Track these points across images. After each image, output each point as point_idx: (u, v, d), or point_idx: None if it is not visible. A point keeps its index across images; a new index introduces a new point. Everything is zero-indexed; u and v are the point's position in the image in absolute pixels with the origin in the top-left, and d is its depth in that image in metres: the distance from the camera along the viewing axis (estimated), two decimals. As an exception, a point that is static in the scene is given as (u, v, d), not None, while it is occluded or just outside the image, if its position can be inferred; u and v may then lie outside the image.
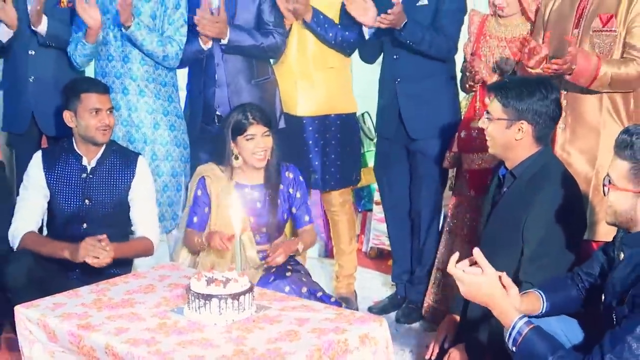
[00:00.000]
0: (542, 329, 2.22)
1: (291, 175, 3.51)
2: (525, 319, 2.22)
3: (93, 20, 3.54)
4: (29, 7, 3.74)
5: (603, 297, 2.35)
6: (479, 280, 2.28)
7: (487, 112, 2.88)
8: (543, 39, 3.20)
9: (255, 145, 3.31)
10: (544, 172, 2.85)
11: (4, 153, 4.16)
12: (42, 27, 3.74)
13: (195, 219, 3.43)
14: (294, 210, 3.52)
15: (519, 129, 2.80)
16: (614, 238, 2.40)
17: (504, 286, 2.31)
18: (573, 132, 3.23)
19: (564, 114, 3.17)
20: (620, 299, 2.19)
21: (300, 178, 3.56)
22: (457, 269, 2.30)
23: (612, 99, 3.15)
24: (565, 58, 2.98)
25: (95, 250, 3.14)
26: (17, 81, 3.92)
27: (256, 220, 3.42)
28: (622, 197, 2.20)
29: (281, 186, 3.47)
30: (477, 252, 2.32)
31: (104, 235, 3.19)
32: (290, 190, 3.50)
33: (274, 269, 3.34)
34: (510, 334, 2.21)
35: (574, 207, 2.80)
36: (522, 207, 2.81)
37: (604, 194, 2.27)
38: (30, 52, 3.85)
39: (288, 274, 3.31)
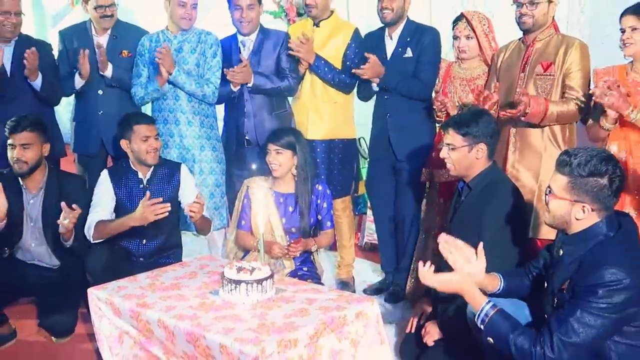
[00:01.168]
0: (505, 311, 2.19)
1: (320, 188, 3.48)
2: (491, 304, 2.20)
3: (167, 68, 3.61)
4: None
5: (546, 285, 2.32)
6: (450, 278, 2.29)
7: (447, 144, 2.84)
8: (494, 88, 3.20)
9: (270, 159, 3.36)
10: (493, 184, 2.84)
11: (77, 170, 4.21)
12: (108, 72, 3.84)
13: (243, 222, 3.46)
14: (319, 217, 3.50)
15: (478, 150, 2.80)
16: (555, 239, 2.38)
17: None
18: (521, 153, 3.22)
19: (513, 139, 3.22)
20: (561, 287, 2.18)
21: (328, 191, 3.52)
22: (428, 279, 2.31)
23: (551, 129, 3.16)
24: (519, 108, 2.98)
25: (156, 209, 3.06)
26: (89, 115, 3.98)
27: (287, 221, 3.42)
28: (561, 204, 2.18)
29: (312, 196, 3.44)
30: (442, 237, 2.40)
31: (160, 199, 3.12)
32: (319, 201, 3.47)
33: (299, 272, 3.37)
34: (479, 316, 2.19)
35: (517, 211, 2.78)
36: (478, 211, 2.80)
37: (545, 203, 2.25)
38: (99, 92, 3.92)
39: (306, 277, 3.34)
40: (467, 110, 3.13)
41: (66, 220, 3.09)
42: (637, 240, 2.24)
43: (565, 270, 2.19)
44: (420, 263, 2.35)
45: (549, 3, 3.15)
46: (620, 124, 2.89)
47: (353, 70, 3.65)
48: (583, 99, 3.09)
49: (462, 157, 2.83)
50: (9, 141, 3.31)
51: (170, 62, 3.65)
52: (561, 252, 2.26)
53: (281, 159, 3.35)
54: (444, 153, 2.88)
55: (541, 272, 2.48)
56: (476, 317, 2.21)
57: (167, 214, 3.09)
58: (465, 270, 2.33)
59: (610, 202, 2.15)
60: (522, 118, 3.06)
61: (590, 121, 3.04)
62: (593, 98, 2.86)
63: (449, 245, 2.40)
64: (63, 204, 3.13)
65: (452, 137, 2.84)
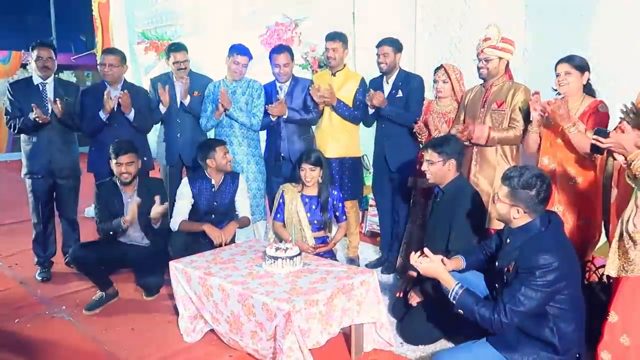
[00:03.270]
0: (470, 289, 2.18)
1: (335, 193, 3.49)
2: (459, 284, 2.18)
3: (226, 105, 3.69)
4: (177, 90, 3.89)
5: (497, 264, 2.31)
6: (429, 265, 2.26)
7: (427, 160, 2.85)
8: (466, 124, 3.17)
9: (305, 175, 3.37)
10: (461, 189, 2.86)
11: (161, 176, 4.26)
12: (186, 101, 3.88)
13: (278, 216, 3.46)
14: (336, 213, 3.51)
15: (450, 164, 2.81)
16: (503, 228, 2.37)
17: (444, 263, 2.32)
18: (480, 167, 3.20)
19: (475, 156, 3.20)
20: (507, 267, 2.18)
21: (341, 195, 3.54)
22: (416, 261, 2.29)
23: (502, 149, 3.14)
24: (465, 134, 3.07)
25: (217, 236, 3.26)
26: (171, 136, 4.01)
27: (311, 215, 3.42)
28: (503, 207, 2.19)
29: (329, 199, 3.46)
30: (426, 250, 2.30)
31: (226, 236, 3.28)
32: (335, 202, 3.48)
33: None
34: (451, 294, 2.18)
35: (477, 209, 2.82)
36: (450, 209, 2.81)
37: (494, 203, 2.26)
38: (177, 120, 3.97)
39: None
40: (442, 136, 3.13)
41: (157, 211, 3.20)
42: (562, 231, 2.24)
43: (510, 254, 2.18)
44: (413, 253, 2.33)
45: (499, 60, 3.13)
46: (551, 145, 2.86)
47: (366, 99, 3.64)
48: (522, 127, 3.06)
49: (438, 169, 2.85)
50: (116, 160, 3.32)
51: (227, 101, 3.70)
52: (508, 240, 2.26)
53: (314, 174, 3.37)
54: (424, 167, 2.90)
55: (492, 252, 2.46)
56: (449, 295, 2.19)
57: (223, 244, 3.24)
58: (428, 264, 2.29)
59: (537, 207, 2.15)
60: (470, 141, 3.09)
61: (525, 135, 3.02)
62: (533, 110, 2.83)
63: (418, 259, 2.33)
64: (157, 197, 3.22)
65: (430, 155, 2.86)
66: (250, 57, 3.84)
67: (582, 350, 2.16)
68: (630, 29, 3.60)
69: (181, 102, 3.91)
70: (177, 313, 2.95)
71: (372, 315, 2.66)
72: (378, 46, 3.69)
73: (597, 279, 2.74)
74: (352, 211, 4.01)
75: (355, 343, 2.68)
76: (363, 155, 4.09)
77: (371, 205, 4.71)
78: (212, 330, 2.84)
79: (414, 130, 3.53)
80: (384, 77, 3.79)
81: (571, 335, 2.09)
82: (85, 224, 4.39)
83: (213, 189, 3.53)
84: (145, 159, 3.78)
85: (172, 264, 2.89)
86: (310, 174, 3.36)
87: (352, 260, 3.99)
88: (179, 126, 3.99)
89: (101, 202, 3.41)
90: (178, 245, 3.25)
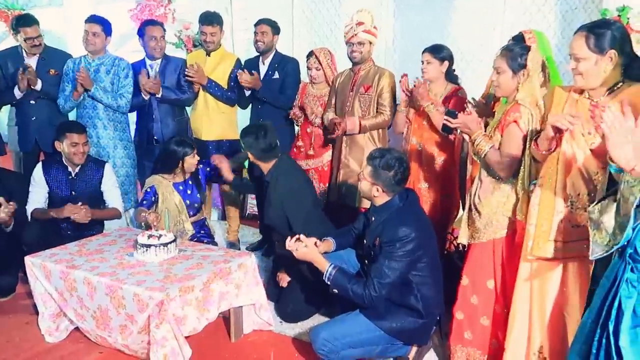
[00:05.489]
0: (343, 269, 2.25)
1: (200, 166, 3.32)
2: (332, 265, 2.24)
3: (85, 85, 3.42)
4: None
5: (364, 241, 2.40)
6: (305, 250, 2.29)
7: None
8: (335, 105, 3.29)
9: (191, 164, 3.21)
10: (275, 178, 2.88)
11: (14, 165, 3.89)
12: (38, 86, 3.55)
13: (145, 202, 3.15)
14: (212, 172, 3.38)
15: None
16: (369, 208, 2.47)
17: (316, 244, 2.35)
18: (350, 149, 3.30)
19: (345, 139, 3.30)
20: (373, 243, 2.28)
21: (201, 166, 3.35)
22: (291, 246, 2.31)
23: (370, 133, 3.26)
24: (338, 131, 3.18)
25: (75, 210, 3.03)
26: (24, 120, 3.67)
27: (190, 200, 3.25)
28: (366, 185, 2.31)
29: (199, 176, 3.30)
30: (302, 236, 2.33)
31: (85, 204, 3.07)
32: (207, 170, 3.37)
33: (197, 235, 3.23)
34: (325, 275, 2.24)
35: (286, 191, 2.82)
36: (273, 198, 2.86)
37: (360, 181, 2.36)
38: (31, 102, 3.63)
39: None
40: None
41: (3, 213, 2.88)
42: (419, 206, 2.41)
43: (375, 230, 2.30)
44: (289, 238, 2.35)
45: (370, 44, 3.26)
46: (418, 127, 3.05)
47: (238, 76, 3.59)
48: (389, 111, 3.23)
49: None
50: None
51: (87, 80, 3.44)
52: (373, 218, 2.37)
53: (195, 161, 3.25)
54: None
55: (360, 231, 2.56)
56: (324, 276, 2.25)
57: (84, 221, 3.06)
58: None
59: (395, 188, 2.28)
60: (344, 133, 3.21)
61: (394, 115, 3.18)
62: (404, 91, 3.01)
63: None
64: (1, 198, 2.88)
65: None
66: (107, 26, 3.57)
67: (442, 312, 2.39)
68: (485, 20, 3.95)
69: (32, 89, 3.56)
70: (36, 312, 2.75)
71: (251, 297, 2.68)
72: (256, 24, 3.66)
73: (454, 248, 3.01)
74: (228, 193, 3.95)
75: (234, 326, 2.69)
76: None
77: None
78: (78, 328, 2.67)
79: (290, 117, 3.56)
80: (260, 57, 3.78)
81: (432, 299, 2.30)
82: None
83: (70, 177, 3.29)
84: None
85: (28, 259, 2.66)
86: (193, 161, 3.23)
87: (233, 244, 3.96)
88: (33, 108, 3.65)
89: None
90: (32, 238, 2.97)
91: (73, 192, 3.26)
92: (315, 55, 3.51)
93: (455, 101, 2.96)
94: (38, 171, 3.25)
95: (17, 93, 3.55)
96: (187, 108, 3.88)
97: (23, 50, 3.62)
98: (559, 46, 3.66)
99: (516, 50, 2.14)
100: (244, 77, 3.60)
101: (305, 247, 2.31)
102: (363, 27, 3.19)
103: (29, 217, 3.16)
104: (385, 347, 2.30)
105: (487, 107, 2.67)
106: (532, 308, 2.02)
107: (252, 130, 2.91)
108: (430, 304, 2.29)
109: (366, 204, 2.99)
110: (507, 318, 2.13)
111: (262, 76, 3.72)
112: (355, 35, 3.21)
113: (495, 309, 2.27)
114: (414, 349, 2.38)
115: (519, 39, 2.36)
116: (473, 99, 2.77)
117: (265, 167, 2.92)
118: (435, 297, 2.31)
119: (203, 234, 3.35)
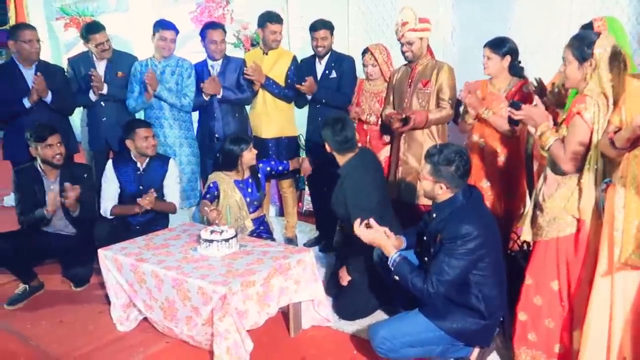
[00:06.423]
0: (408, 258, 2.25)
1: (261, 165, 3.42)
2: (399, 253, 2.25)
3: (153, 86, 3.57)
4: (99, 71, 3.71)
5: (425, 238, 2.37)
6: (374, 234, 2.30)
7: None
8: (393, 102, 3.26)
9: (248, 158, 3.27)
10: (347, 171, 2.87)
11: (87, 163, 4.07)
12: (104, 91, 3.70)
13: (208, 196, 3.22)
14: (280, 168, 3.50)
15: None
16: (431, 205, 2.40)
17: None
18: (409, 145, 3.28)
19: (404, 135, 3.26)
20: (435, 239, 2.24)
21: (261, 165, 3.44)
22: (359, 230, 2.32)
23: (429, 128, 3.22)
24: (410, 124, 3.11)
25: (147, 195, 3.19)
26: (95, 120, 3.84)
27: (250, 197, 3.32)
28: (427, 183, 2.26)
29: (259, 174, 3.38)
30: (371, 221, 2.34)
31: (153, 191, 3.23)
32: (267, 170, 3.45)
33: (257, 231, 3.31)
34: (390, 260, 2.24)
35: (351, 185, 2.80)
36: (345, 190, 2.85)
37: (420, 181, 2.35)
38: (102, 104, 3.79)
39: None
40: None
41: (69, 195, 3.05)
42: (483, 203, 2.35)
43: (436, 227, 2.26)
44: (357, 221, 2.35)
45: (421, 40, 3.20)
46: (480, 121, 2.98)
47: (296, 87, 3.62)
48: (451, 106, 3.18)
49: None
50: (45, 142, 3.15)
51: (154, 81, 3.58)
52: (434, 215, 2.33)
53: (253, 154, 3.31)
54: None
55: (421, 229, 2.52)
56: (389, 261, 2.25)
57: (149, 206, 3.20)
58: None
59: (458, 182, 2.23)
60: (411, 124, 3.14)
61: (460, 119, 3.13)
62: (462, 100, 2.96)
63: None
64: (66, 184, 3.05)
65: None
66: (177, 31, 3.72)
67: (505, 313, 2.32)
68: (550, 10, 3.79)
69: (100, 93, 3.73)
70: (108, 302, 2.87)
71: (309, 293, 2.70)
72: (314, 29, 3.65)
73: (518, 248, 2.91)
74: (289, 191, 4.01)
75: (293, 321, 2.72)
76: (299, 135, 4.07)
77: (308, 185, 4.67)
78: (147, 318, 2.78)
79: (351, 117, 3.51)
80: (316, 57, 3.78)
81: (494, 300, 2.23)
82: (5, 213, 4.11)
83: (138, 172, 3.41)
84: (68, 143, 3.56)
85: (101, 252, 2.79)
86: (251, 155, 3.29)
87: (290, 240, 3.99)
88: (103, 109, 3.82)
89: (21, 191, 3.22)
90: (103, 233, 3.13)
91: (141, 187, 3.38)
92: (371, 52, 3.49)
93: (520, 98, 2.86)
94: (109, 167, 3.39)
95: (93, 97, 3.75)
96: (246, 107, 3.94)
97: (93, 56, 3.80)
98: (632, 33, 3.45)
99: (582, 39, 2.03)
100: (251, 71, 3.62)
101: (375, 232, 2.30)
102: (408, 27, 3.15)
103: (108, 213, 3.31)
104: (445, 347, 2.26)
105: (558, 96, 2.53)
106: (613, 315, 1.91)
107: (330, 122, 2.90)
108: (492, 305, 2.23)
109: (424, 200, 2.94)
110: (572, 322, 2.03)
111: (319, 75, 3.72)
112: (403, 35, 3.18)
113: (561, 312, 2.18)
114: (476, 350, 2.33)
115: (589, 27, 2.24)
116: (540, 79, 2.60)
117: (341, 160, 2.90)
118: (497, 298, 2.25)
119: (262, 230, 3.41)
